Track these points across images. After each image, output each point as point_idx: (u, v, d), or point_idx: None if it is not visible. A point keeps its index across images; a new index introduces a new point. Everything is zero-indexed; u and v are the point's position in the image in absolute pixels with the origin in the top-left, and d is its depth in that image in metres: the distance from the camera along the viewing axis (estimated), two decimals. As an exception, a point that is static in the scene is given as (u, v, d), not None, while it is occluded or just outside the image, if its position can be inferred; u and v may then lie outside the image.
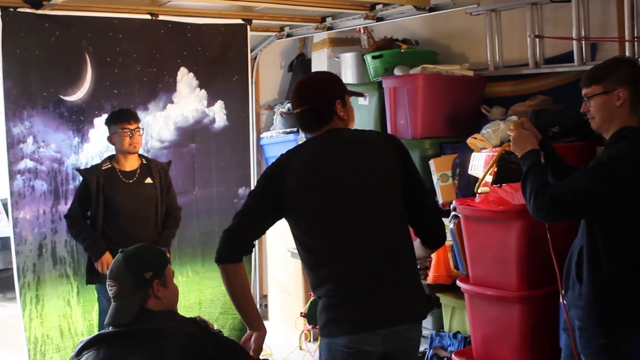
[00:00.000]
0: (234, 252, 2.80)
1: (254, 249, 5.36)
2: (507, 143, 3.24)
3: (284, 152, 2.88)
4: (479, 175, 3.77)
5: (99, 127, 4.65)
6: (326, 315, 2.70)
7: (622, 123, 2.89)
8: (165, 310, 2.74)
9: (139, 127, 4.38)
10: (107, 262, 4.23)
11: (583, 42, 4.16)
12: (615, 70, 2.92)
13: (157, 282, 2.73)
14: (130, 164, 4.39)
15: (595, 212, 2.86)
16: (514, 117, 4.16)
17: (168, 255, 2.90)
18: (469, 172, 4.05)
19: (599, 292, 2.88)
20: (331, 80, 2.95)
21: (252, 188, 2.96)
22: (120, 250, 2.81)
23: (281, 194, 2.74)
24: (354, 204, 2.71)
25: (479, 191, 3.67)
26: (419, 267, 4.51)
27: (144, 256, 2.81)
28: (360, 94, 3.23)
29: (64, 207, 4.49)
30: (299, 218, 2.76)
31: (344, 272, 2.68)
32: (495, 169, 3.31)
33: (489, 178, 3.38)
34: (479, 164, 3.89)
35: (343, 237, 2.70)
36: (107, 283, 2.73)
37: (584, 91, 2.97)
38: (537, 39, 4.40)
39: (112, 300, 2.73)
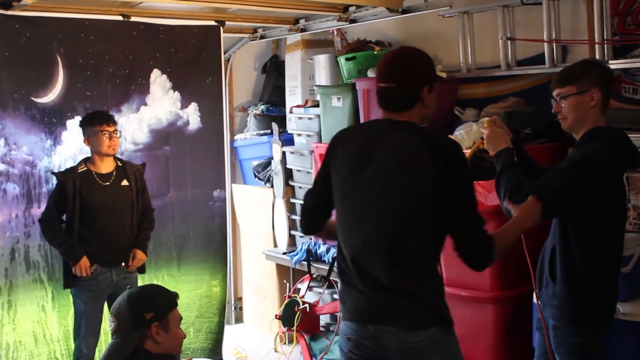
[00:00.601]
0: (312, 226, 2.94)
1: (228, 251, 5.40)
2: (480, 141, 3.25)
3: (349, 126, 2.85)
4: None
5: (72, 130, 4.60)
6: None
7: (593, 123, 2.94)
8: (164, 354, 2.66)
9: (116, 130, 4.36)
10: (85, 266, 4.21)
11: (554, 44, 4.21)
12: (587, 71, 2.96)
13: (156, 324, 2.65)
14: (107, 166, 4.36)
15: (569, 211, 2.90)
16: (486, 118, 4.19)
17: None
18: None
19: (573, 290, 2.92)
20: (426, 59, 2.75)
21: None
22: (129, 286, 2.78)
23: (329, 164, 2.78)
24: (364, 207, 2.65)
25: None
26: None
27: (148, 296, 2.75)
28: (443, 80, 3.02)
29: (37, 211, 4.44)
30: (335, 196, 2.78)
31: (348, 264, 2.70)
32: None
33: None
34: None
35: (350, 234, 2.70)
36: (109, 318, 2.71)
37: (556, 92, 3.00)
38: (509, 41, 4.45)
39: (111, 335, 2.69)
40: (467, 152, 3.33)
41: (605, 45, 3.97)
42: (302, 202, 5.48)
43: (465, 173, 2.65)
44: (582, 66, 3.05)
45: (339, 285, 2.82)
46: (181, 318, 2.80)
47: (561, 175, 2.87)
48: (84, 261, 4.22)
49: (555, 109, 3.03)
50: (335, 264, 2.82)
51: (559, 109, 3.00)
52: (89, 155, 4.38)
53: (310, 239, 5.50)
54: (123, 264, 4.37)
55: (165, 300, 2.77)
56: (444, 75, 4.79)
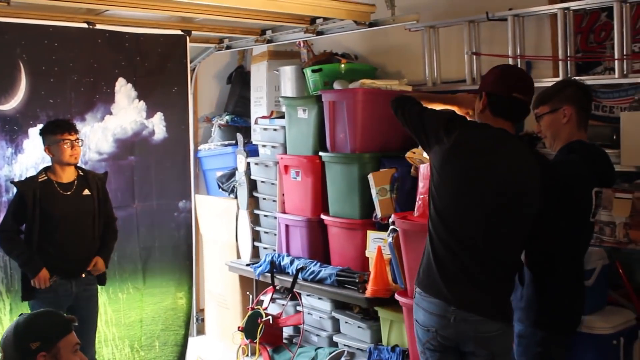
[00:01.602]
0: None
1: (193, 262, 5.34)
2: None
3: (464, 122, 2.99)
4: None
5: (34, 138, 4.52)
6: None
7: (568, 138, 3.08)
8: None
9: (78, 138, 4.29)
10: (45, 278, 4.11)
11: (518, 59, 4.26)
12: (560, 90, 3.13)
13: (44, 354, 2.51)
14: (68, 175, 4.28)
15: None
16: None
17: (74, 322, 2.69)
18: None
19: (538, 293, 3.01)
20: None
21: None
22: (21, 313, 2.64)
23: (441, 141, 2.91)
24: (478, 208, 2.84)
25: None
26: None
27: (34, 324, 2.59)
28: None
29: (-3, 220, 4.36)
30: (437, 173, 2.94)
31: (440, 249, 2.89)
32: None
33: None
34: None
35: (451, 226, 2.86)
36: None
37: (534, 112, 3.15)
38: (474, 56, 4.50)
39: None
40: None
41: (569, 62, 4.04)
42: (265, 213, 5.51)
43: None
44: (555, 86, 3.22)
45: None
46: (78, 343, 2.64)
47: None
48: (44, 273, 4.12)
49: (536, 129, 3.20)
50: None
51: (539, 129, 3.16)
52: (50, 164, 4.31)
53: (274, 250, 5.48)
54: (83, 275, 4.29)
55: (54, 328, 2.61)
56: (409, 88, 4.84)
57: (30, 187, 4.17)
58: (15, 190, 4.26)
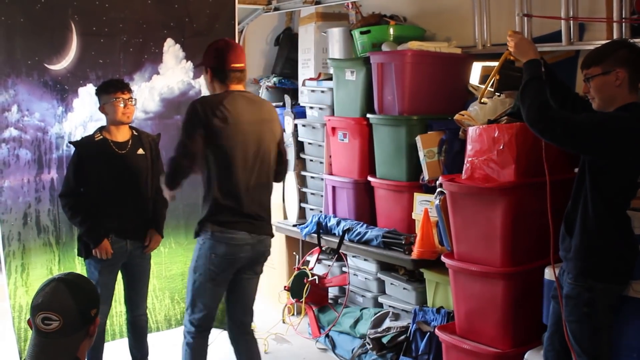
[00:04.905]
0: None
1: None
2: (507, 52, 3.36)
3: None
4: (479, 85, 3.93)
5: (83, 97, 4.58)
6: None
7: (622, 102, 3.00)
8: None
9: (132, 97, 4.33)
10: (106, 249, 4.16)
11: (571, 21, 4.18)
12: (613, 52, 3.03)
13: (96, 320, 2.37)
14: (122, 134, 4.33)
15: (585, 147, 3.00)
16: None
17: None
18: (470, 82, 4.17)
19: (586, 241, 3.03)
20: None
21: None
22: (52, 277, 2.39)
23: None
24: (249, 151, 3.75)
25: (483, 101, 3.85)
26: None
27: (86, 288, 2.41)
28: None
29: (47, 176, 4.43)
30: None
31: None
32: (498, 77, 3.38)
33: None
34: (479, 74, 4.01)
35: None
36: (46, 316, 2.26)
37: (584, 73, 3.08)
38: (526, 18, 4.42)
39: (45, 336, 2.26)
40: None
41: (624, 23, 3.94)
42: (312, 175, 5.59)
43: None
44: (608, 47, 3.12)
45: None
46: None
47: (590, 115, 3.06)
48: (105, 244, 4.17)
49: (584, 90, 3.12)
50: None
51: (587, 89, 3.08)
52: (104, 124, 4.35)
53: (321, 211, 5.51)
54: (139, 249, 4.37)
55: (97, 293, 2.46)
56: (459, 51, 4.78)
57: (87, 147, 4.23)
58: (66, 146, 4.32)
